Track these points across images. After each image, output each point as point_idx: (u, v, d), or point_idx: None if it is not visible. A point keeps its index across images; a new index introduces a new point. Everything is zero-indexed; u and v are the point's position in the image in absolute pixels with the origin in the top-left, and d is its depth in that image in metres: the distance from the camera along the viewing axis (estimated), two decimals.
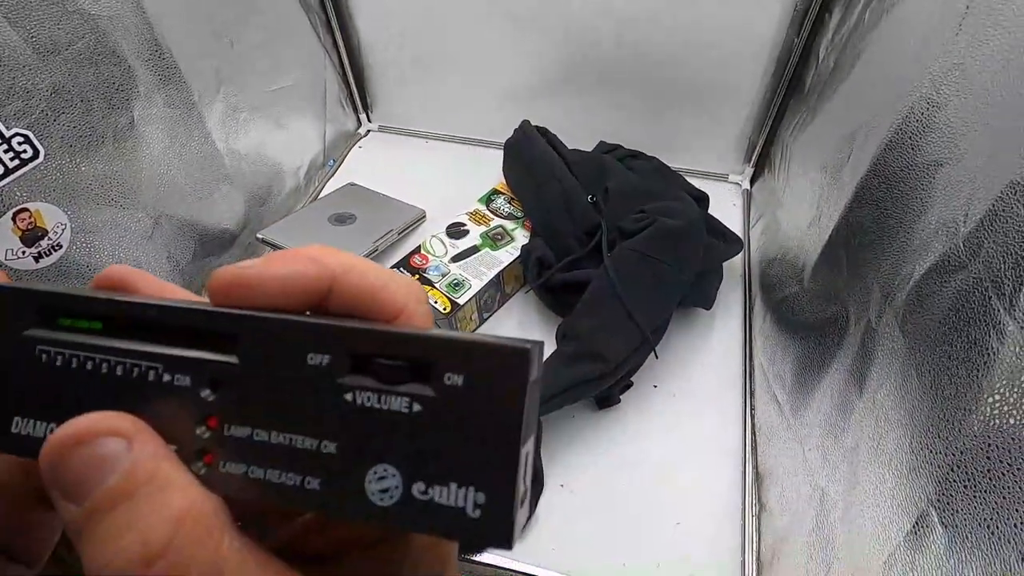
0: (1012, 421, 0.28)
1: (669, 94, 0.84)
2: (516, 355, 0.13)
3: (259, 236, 0.78)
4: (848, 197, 0.52)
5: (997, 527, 0.27)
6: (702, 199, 0.74)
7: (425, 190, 0.88)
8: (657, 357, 0.61)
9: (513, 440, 0.13)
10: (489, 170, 0.85)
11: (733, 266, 0.76)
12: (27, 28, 0.48)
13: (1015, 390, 0.27)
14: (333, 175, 0.95)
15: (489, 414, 0.13)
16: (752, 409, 0.63)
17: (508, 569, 0.53)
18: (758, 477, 0.58)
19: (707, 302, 0.68)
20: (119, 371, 0.15)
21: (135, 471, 0.13)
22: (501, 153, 0.83)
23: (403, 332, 0.14)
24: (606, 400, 0.63)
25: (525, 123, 0.79)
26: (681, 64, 0.80)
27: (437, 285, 0.68)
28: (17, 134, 0.48)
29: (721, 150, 0.88)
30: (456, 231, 0.75)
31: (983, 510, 0.28)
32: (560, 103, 0.88)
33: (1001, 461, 0.28)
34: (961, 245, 0.33)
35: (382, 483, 0.13)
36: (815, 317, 0.55)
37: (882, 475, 0.37)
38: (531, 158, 0.75)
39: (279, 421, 0.14)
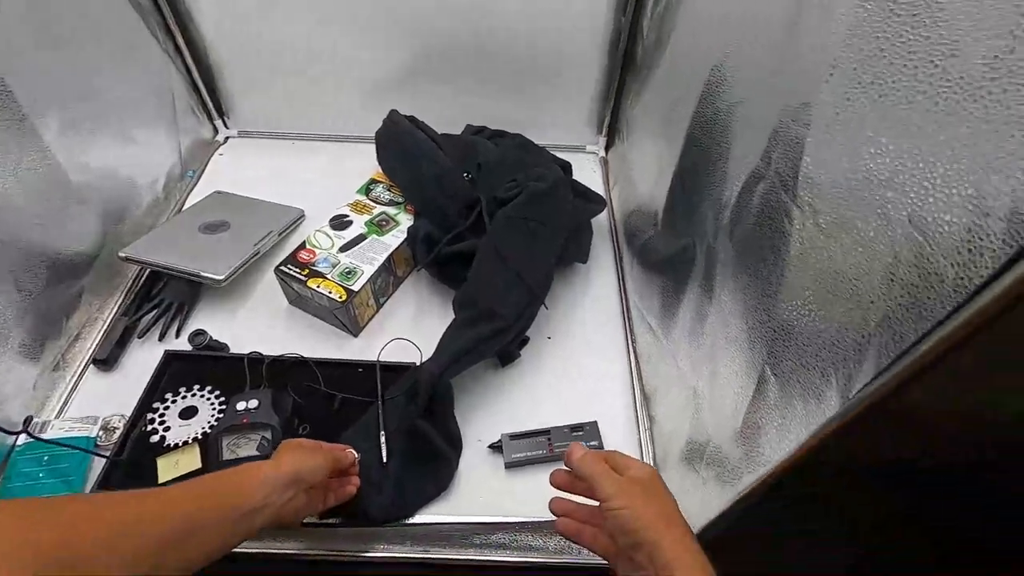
0: (807, 293, 0.36)
1: (524, 77, 0.91)
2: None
3: (122, 255, 0.73)
4: (680, 148, 0.61)
5: (809, 367, 0.35)
6: (566, 167, 0.82)
7: (300, 190, 0.87)
8: (547, 308, 0.68)
9: None
10: (364, 163, 0.86)
11: (600, 224, 0.84)
12: None
13: (802, 257, 0.36)
14: (195, 186, 0.91)
15: None
16: (633, 342, 0.72)
17: (446, 523, 0.56)
18: (646, 397, 0.66)
19: (583, 256, 0.76)
20: None
21: None
22: (373, 146, 0.85)
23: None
24: (507, 357, 0.68)
25: (393, 112, 0.82)
26: (531, 48, 0.87)
27: (329, 276, 0.69)
28: None
29: (576, 124, 0.97)
30: (340, 223, 0.76)
31: (798, 355, 0.37)
32: (424, 92, 0.91)
33: (808, 317, 0.36)
34: (759, 161, 0.42)
35: None
36: (670, 251, 0.64)
37: (732, 355, 0.46)
38: (403, 144, 0.78)
39: None
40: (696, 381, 0.54)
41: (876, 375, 0.27)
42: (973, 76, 0.23)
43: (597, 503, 0.42)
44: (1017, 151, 0.21)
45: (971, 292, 0.22)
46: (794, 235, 0.37)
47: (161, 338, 0.71)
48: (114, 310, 0.73)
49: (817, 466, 0.34)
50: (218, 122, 0.99)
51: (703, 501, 0.48)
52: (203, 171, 0.93)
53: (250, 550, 0.55)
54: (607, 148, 0.99)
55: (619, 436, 0.63)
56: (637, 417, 0.65)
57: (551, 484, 0.48)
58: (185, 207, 0.86)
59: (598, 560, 0.55)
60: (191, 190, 0.90)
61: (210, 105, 0.96)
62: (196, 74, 0.91)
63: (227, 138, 0.99)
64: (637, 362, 0.69)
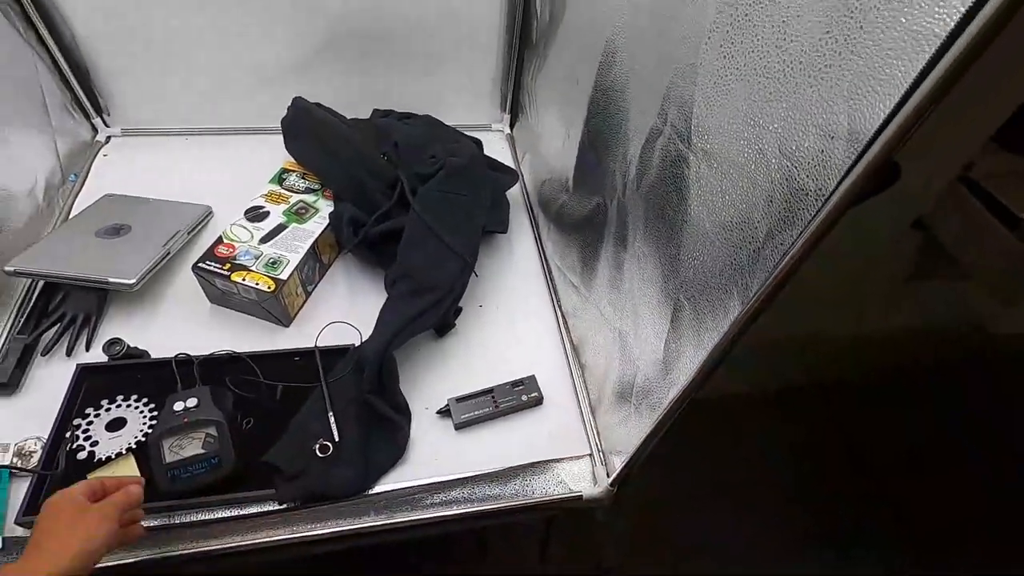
0: (706, 225, 0.43)
1: (427, 60, 0.93)
2: None
3: (9, 268, 0.67)
4: (584, 116, 0.67)
5: (715, 286, 0.42)
6: (477, 144, 0.85)
7: (201, 187, 0.84)
8: (477, 276, 0.71)
9: None
10: (268, 154, 0.84)
11: (515, 196, 0.89)
12: None
13: (700, 196, 0.42)
14: (80, 191, 0.84)
15: None
16: (557, 300, 0.77)
17: (406, 488, 0.59)
18: (575, 347, 0.72)
19: (503, 226, 0.80)
20: None
21: None
22: (277, 136, 0.83)
23: None
24: (444, 327, 0.71)
25: (298, 99, 0.81)
26: (431, 32, 0.89)
27: (254, 268, 0.68)
28: None
29: (480, 104, 1.01)
30: (256, 215, 0.74)
31: (704, 279, 0.43)
32: (324, 79, 0.90)
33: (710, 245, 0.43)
34: (656, 119, 0.48)
35: None
36: (584, 212, 0.70)
37: (649, 295, 0.52)
38: (315, 129, 0.78)
39: None
40: (620, 323, 0.61)
41: (767, 278, 0.33)
42: (809, 40, 0.30)
43: None
44: (848, 89, 0.28)
45: (826, 196, 0.28)
46: (691, 178, 0.43)
47: (69, 353, 0.66)
48: (7, 330, 0.67)
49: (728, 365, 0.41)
50: (96, 120, 0.91)
51: (637, 426, 0.55)
52: (87, 174, 0.86)
53: (215, 547, 0.55)
54: (512, 125, 1.04)
55: (555, 385, 0.69)
56: (569, 366, 0.71)
57: None
58: (72, 214, 0.79)
59: (552, 496, 0.61)
60: (76, 196, 0.83)
61: (86, 103, 0.88)
62: (67, 69, 0.83)
63: (109, 137, 0.92)
64: (564, 317, 0.75)
